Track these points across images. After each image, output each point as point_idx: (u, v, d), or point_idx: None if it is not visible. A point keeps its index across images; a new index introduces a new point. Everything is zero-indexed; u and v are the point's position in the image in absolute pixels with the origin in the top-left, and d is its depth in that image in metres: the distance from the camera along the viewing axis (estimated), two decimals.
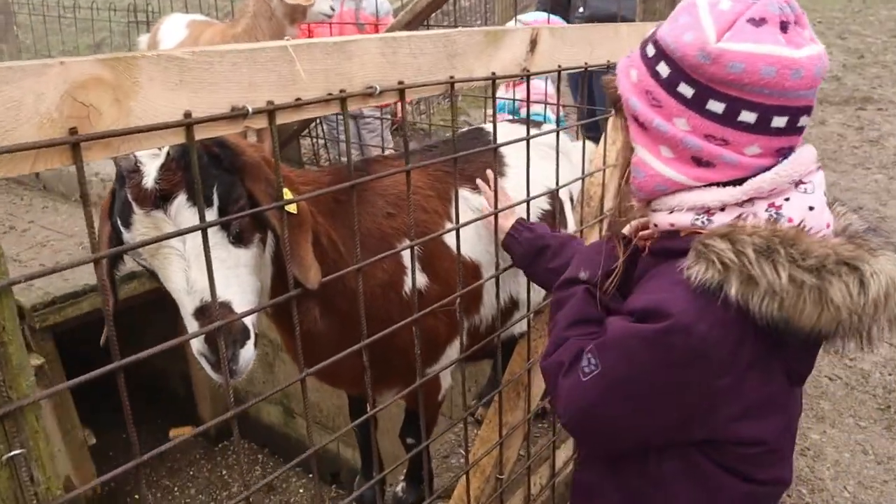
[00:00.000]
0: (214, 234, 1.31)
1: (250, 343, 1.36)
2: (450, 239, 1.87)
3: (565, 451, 2.55)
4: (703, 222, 1.13)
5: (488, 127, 2.46)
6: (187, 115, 0.99)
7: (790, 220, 1.09)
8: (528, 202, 1.82)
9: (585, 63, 2.03)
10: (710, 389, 1.10)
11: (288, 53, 1.14)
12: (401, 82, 1.36)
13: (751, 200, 1.11)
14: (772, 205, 1.11)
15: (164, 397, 5.63)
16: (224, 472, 5.11)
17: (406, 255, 1.75)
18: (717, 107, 1.08)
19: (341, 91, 1.23)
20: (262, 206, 1.27)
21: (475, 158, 2.05)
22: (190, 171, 1.23)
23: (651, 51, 1.16)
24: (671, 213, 1.17)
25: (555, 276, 1.58)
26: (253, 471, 5.09)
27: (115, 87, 0.90)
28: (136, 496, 4.87)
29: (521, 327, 2.13)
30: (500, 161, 2.17)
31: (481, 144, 2.26)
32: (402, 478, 2.46)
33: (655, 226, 1.21)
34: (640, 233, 1.32)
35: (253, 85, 1.09)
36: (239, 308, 1.33)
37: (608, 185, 2.36)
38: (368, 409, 1.43)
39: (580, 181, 2.20)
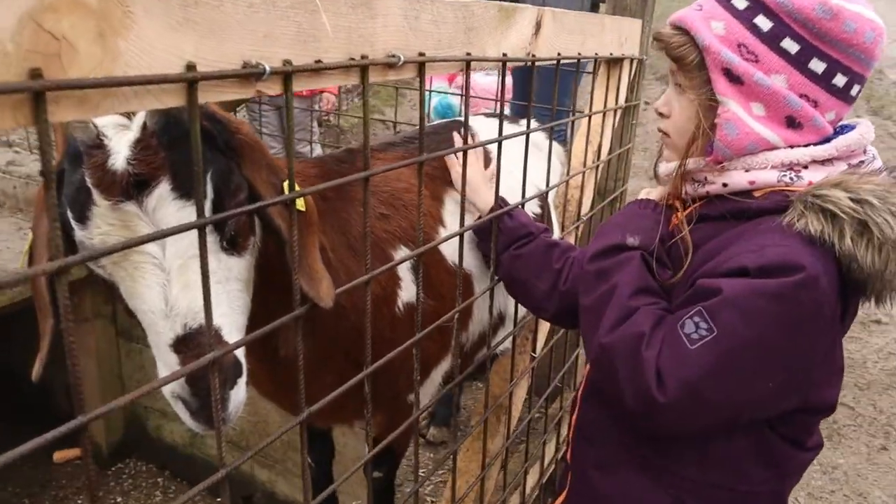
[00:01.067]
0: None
1: (242, 381, 1.03)
2: (443, 247, 1.62)
3: (532, 476, 2.37)
4: (791, 178, 1.12)
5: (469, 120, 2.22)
6: (191, 67, 0.70)
7: None
8: (522, 205, 1.63)
9: (579, 53, 1.88)
10: (814, 350, 1.07)
11: (312, 1, 0.87)
12: (421, 53, 1.13)
13: (831, 160, 1.12)
14: (850, 164, 1.13)
15: (47, 416, 4.96)
16: (119, 499, 4.56)
17: (404, 264, 1.49)
18: (818, 66, 1.08)
19: (363, 57, 0.98)
20: (268, 200, 0.94)
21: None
22: (174, 150, 0.92)
23: (742, 3, 1.12)
24: (748, 171, 1.14)
25: (521, 262, 1.52)
26: (153, 496, 4.57)
27: (100, 15, 0.60)
28: None
29: (503, 345, 1.92)
30: (487, 159, 1.95)
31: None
32: None
33: (725, 185, 1.16)
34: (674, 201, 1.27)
35: (269, 37, 0.82)
36: (229, 335, 1.00)
37: (586, 186, 2.21)
38: (366, 450, 1.16)
39: (563, 182, 2.02)
